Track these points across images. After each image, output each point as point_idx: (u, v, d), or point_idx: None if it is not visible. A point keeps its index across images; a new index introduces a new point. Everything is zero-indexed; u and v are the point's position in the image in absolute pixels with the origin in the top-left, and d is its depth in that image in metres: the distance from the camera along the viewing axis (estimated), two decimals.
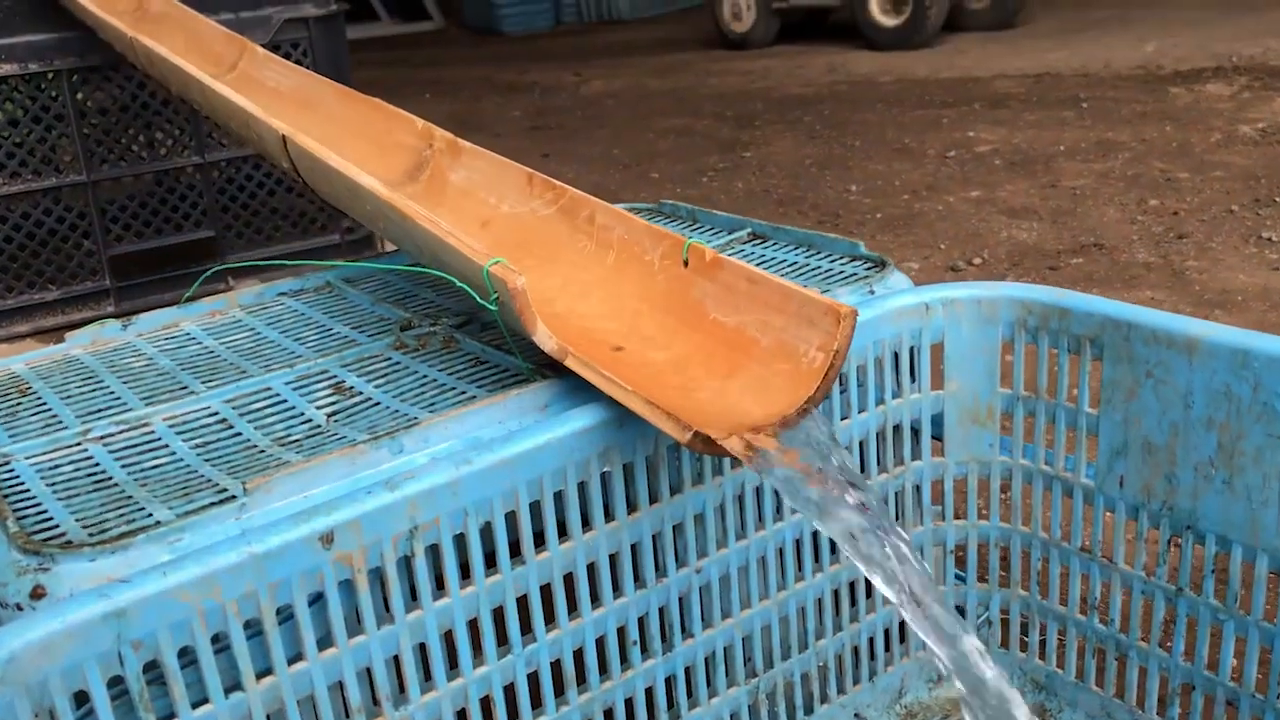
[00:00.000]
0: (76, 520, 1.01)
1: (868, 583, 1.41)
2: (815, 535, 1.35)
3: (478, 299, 1.14)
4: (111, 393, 1.30)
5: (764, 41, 8.11)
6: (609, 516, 1.14)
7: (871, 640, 1.44)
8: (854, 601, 1.41)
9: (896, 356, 1.36)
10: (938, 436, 1.42)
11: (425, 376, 1.26)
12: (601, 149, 5.13)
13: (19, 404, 1.29)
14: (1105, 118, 4.79)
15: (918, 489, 1.43)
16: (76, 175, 3.10)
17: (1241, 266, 3.02)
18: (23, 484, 1.10)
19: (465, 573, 1.07)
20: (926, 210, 3.82)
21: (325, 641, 0.99)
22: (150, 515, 1.01)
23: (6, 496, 1.07)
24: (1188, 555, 1.26)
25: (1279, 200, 3.50)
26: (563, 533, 1.12)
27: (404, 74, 8.43)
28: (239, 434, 1.18)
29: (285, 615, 0.96)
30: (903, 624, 1.47)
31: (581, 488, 1.11)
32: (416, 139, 1.73)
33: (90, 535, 0.98)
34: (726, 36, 8.21)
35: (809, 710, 1.40)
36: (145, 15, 2.89)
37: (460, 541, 1.04)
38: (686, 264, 1.22)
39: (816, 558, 1.36)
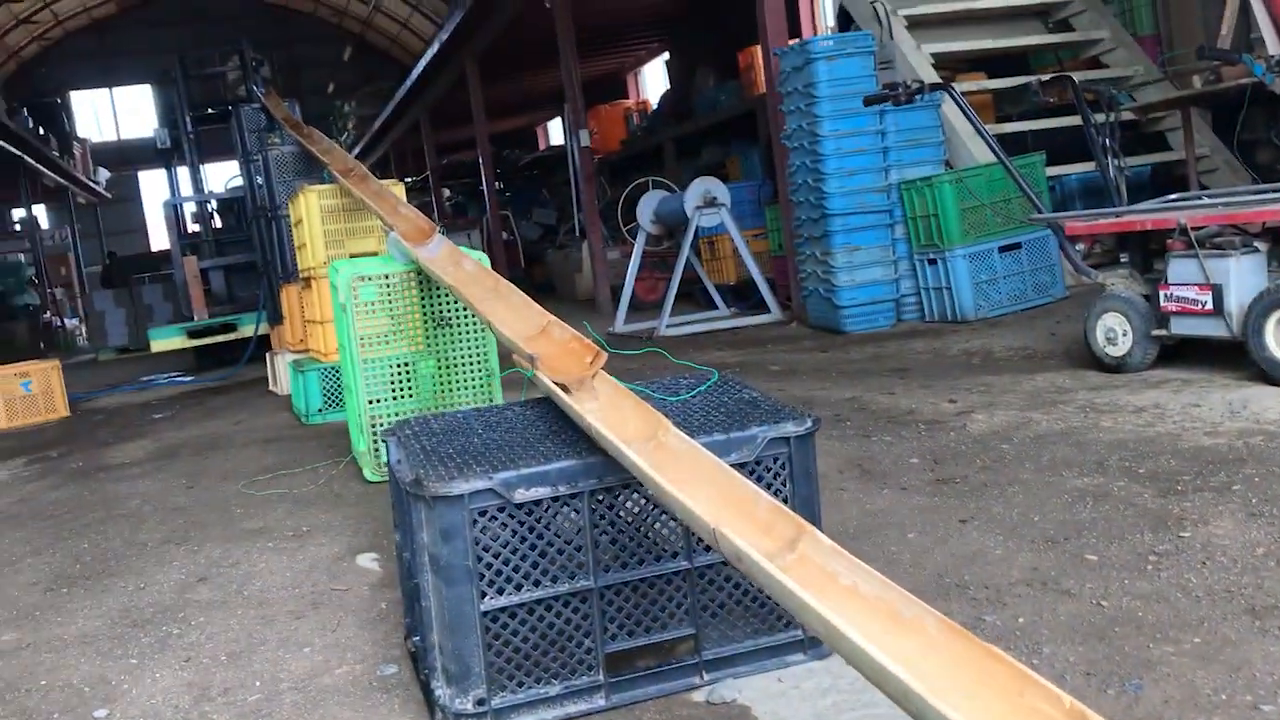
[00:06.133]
0: None
1: None
2: None
3: None
4: None
5: (1141, 366, 7.84)
6: None
7: None
8: None
9: None
10: None
11: None
12: (1020, 513, 4.80)
13: None
14: None
15: None
16: (586, 581, 3.31)
17: None
18: None
19: None
20: None
21: None
22: None
23: None
24: None
25: None
26: None
27: (765, 384, 8.57)
28: None
29: None
30: None
31: None
32: (1063, 715, 1.66)
33: None
34: (1100, 360, 8.01)
35: None
36: (661, 446, 3.06)
37: None
38: None
39: None
